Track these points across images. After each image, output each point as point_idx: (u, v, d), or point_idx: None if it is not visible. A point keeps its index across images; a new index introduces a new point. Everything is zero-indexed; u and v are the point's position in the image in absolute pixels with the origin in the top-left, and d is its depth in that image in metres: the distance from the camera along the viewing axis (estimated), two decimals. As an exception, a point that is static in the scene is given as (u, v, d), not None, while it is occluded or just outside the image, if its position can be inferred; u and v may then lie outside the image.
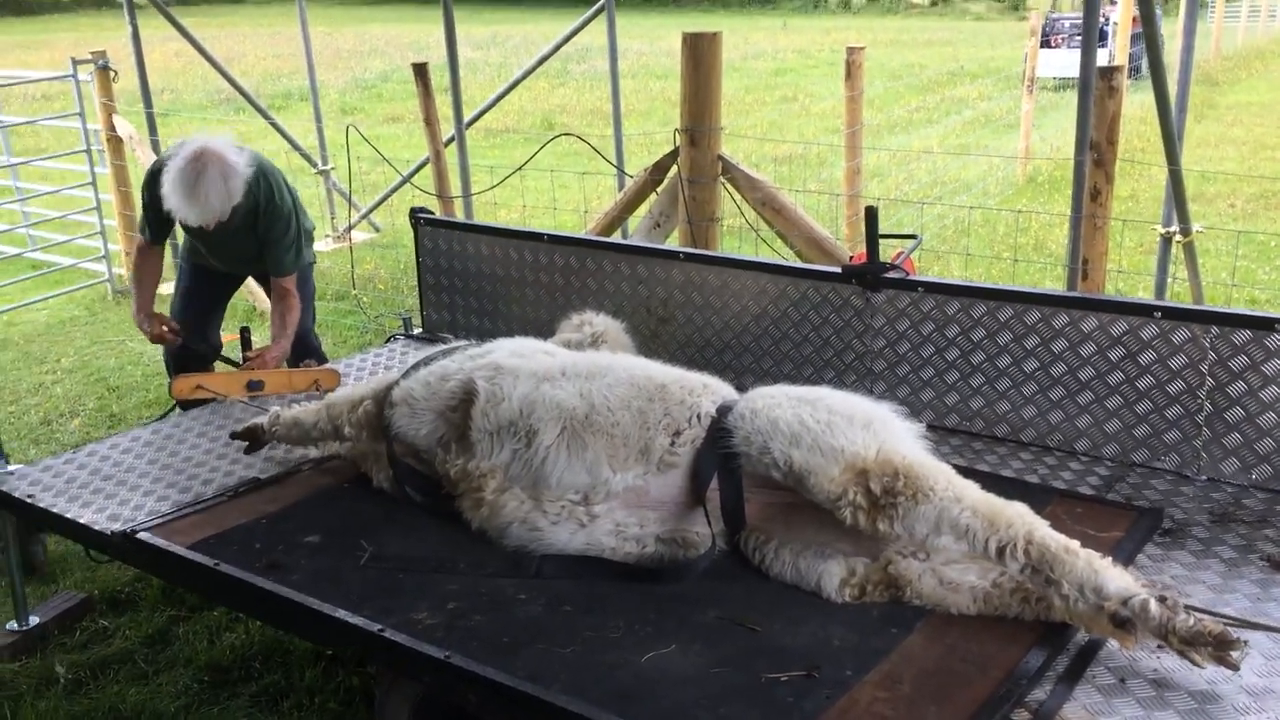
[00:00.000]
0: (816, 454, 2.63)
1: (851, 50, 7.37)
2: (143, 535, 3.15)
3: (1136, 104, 11.94)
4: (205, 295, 4.74)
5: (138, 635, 3.81)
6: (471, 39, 24.25)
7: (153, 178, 4.29)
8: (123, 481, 3.56)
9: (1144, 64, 5.56)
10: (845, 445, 2.62)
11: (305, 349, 4.72)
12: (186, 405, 4.30)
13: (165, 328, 4.48)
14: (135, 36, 7.48)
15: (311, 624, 2.76)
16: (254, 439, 3.60)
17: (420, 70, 6.48)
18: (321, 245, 9.00)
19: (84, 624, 3.90)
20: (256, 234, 4.38)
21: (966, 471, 3.08)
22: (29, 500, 3.45)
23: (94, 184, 8.07)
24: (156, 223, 4.43)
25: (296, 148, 8.93)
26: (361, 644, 2.65)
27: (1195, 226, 5.56)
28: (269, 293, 4.65)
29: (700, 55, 4.89)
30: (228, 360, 4.73)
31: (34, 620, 3.82)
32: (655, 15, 34.62)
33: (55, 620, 3.87)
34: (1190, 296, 5.87)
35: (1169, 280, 5.80)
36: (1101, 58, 5.48)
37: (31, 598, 3.90)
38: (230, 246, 4.47)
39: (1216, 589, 2.67)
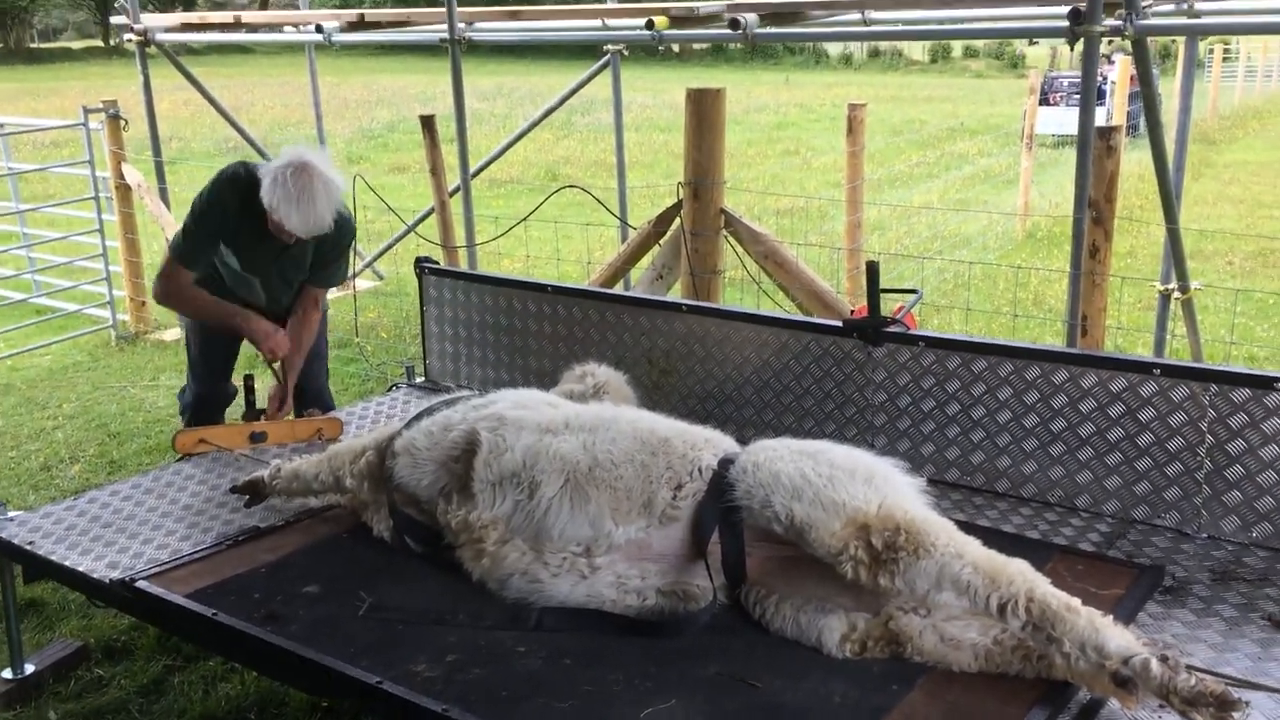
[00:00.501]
0: (818, 508, 2.63)
1: (853, 106, 7.47)
2: (141, 584, 3.14)
3: (1134, 161, 12.05)
4: (226, 339, 4.65)
5: (133, 685, 3.78)
6: (478, 90, 24.54)
7: (234, 193, 4.16)
8: (122, 529, 3.55)
9: (1141, 122, 5.64)
10: (847, 500, 2.62)
11: (320, 406, 4.70)
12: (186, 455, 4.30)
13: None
14: (147, 86, 7.59)
15: (309, 675, 2.74)
16: (256, 492, 3.60)
17: (428, 122, 6.56)
18: (325, 293, 9.04)
19: (79, 672, 3.88)
20: (321, 249, 4.37)
21: (967, 527, 3.08)
22: (28, 547, 3.44)
23: (101, 231, 8.14)
24: (208, 251, 4.25)
25: (302, 197, 8.99)
26: (359, 696, 2.64)
27: (1194, 284, 5.61)
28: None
29: (704, 111, 4.96)
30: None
31: (29, 668, 3.80)
32: (659, 69, 35.06)
33: (51, 669, 3.84)
34: (1189, 353, 5.90)
35: (1168, 337, 5.84)
36: (1100, 116, 5.56)
37: (27, 646, 3.88)
38: (287, 266, 4.41)
39: (1218, 648, 2.66)
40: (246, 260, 4.33)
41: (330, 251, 4.42)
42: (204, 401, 4.69)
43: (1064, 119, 16.10)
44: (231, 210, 4.18)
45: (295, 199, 3.97)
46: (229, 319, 4.36)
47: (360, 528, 3.46)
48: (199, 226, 4.22)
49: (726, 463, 2.88)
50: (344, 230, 4.36)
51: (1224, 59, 22.57)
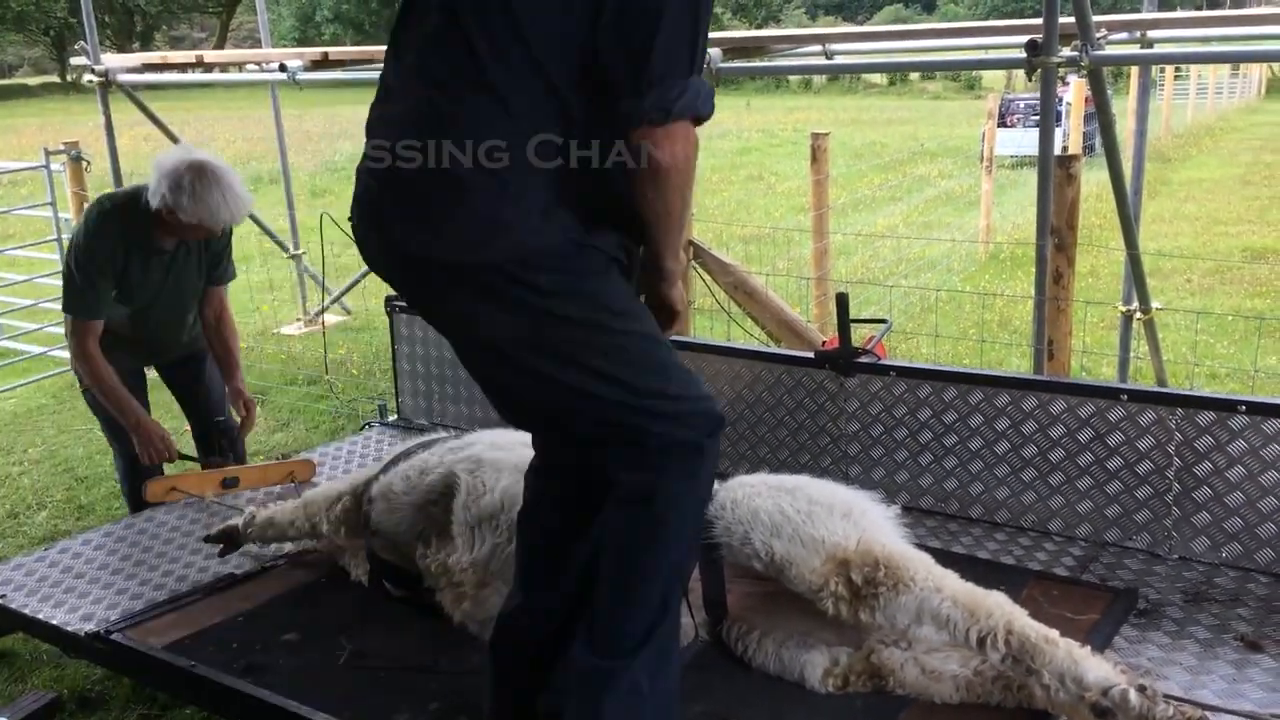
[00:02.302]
0: (798, 544, 2.65)
1: (816, 135, 7.55)
2: (116, 636, 3.11)
3: (1093, 182, 12.24)
4: (139, 384, 4.46)
5: (108, 736, 3.72)
6: (440, 121, 24.46)
7: (112, 223, 3.98)
8: (95, 579, 3.52)
9: (1098, 143, 5.79)
10: (826, 536, 2.64)
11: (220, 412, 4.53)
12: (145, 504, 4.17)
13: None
14: (109, 127, 7.54)
15: (291, 726, 2.72)
16: (230, 541, 3.57)
17: (393, 158, 6.55)
18: (292, 329, 9.01)
19: (52, 725, 3.81)
20: (214, 245, 4.25)
21: (943, 553, 3.14)
22: (0, 601, 3.40)
23: (64, 272, 8.06)
24: (103, 293, 4.00)
25: (268, 232, 8.97)
26: (343, 747, 2.62)
27: (1154, 304, 5.70)
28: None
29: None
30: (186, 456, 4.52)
31: (1, 722, 3.74)
32: (621, 96, 35.14)
33: (23, 722, 3.78)
34: (1153, 373, 6.00)
35: (1131, 357, 5.93)
36: (1056, 137, 5.67)
37: (0, 697, 3.81)
38: (182, 278, 4.23)
39: (1193, 670, 2.70)
40: (139, 288, 4.14)
41: (221, 244, 4.29)
42: (135, 460, 4.36)
43: (1022, 140, 16.32)
44: (115, 240, 4.00)
45: (220, 192, 3.87)
46: (122, 410, 4.13)
47: (337, 573, 3.44)
48: (85, 270, 3.98)
49: (705, 500, 2.90)
50: None
51: (1176, 77, 23.03)
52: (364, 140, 2.31)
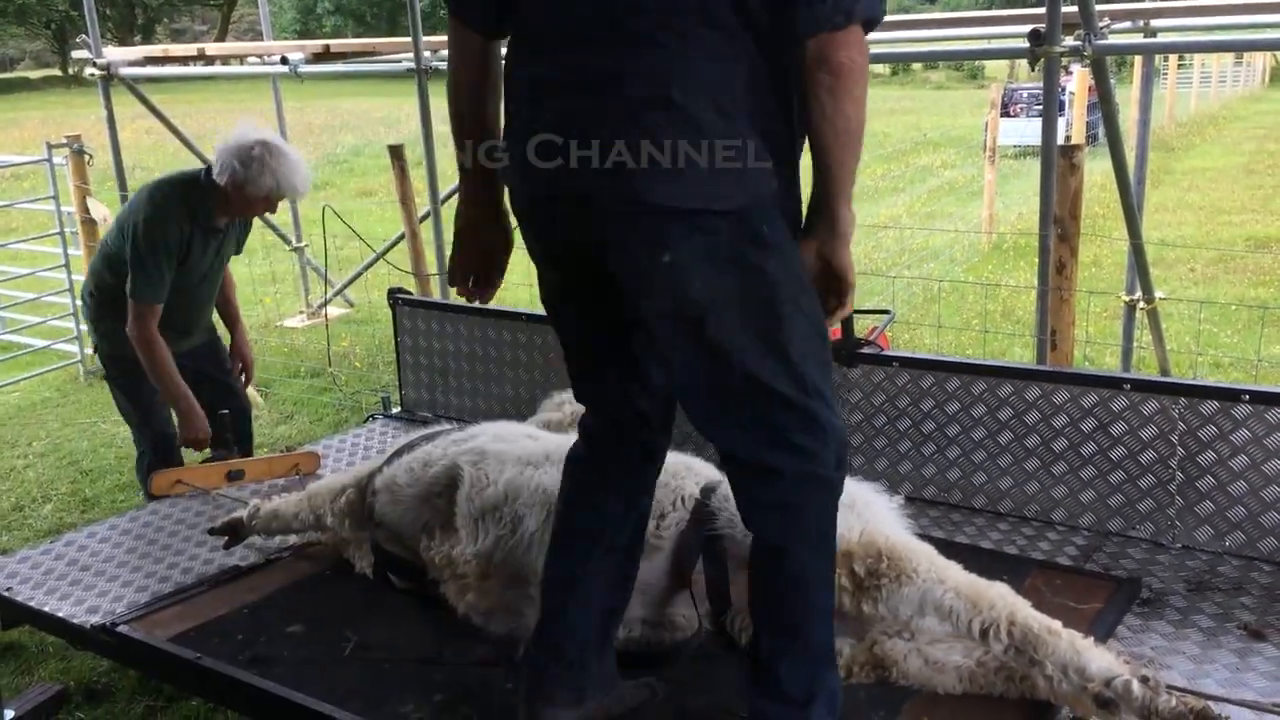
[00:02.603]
0: (800, 536, 2.65)
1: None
2: (123, 629, 3.13)
3: (1096, 171, 12.21)
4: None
5: (114, 728, 3.74)
6: (443, 113, 24.36)
7: (173, 203, 4.06)
8: (101, 572, 3.53)
9: (1101, 132, 5.78)
10: (828, 527, 2.64)
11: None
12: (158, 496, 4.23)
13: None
14: (111, 122, 7.54)
15: (297, 719, 2.73)
16: (234, 534, 3.58)
17: (396, 152, 6.56)
18: (295, 321, 9.02)
19: (60, 716, 3.82)
20: (247, 226, 4.52)
21: (946, 543, 3.14)
22: (6, 594, 3.42)
23: (67, 266, 8.07)
24: (168, 274, 4.06)
25: (270, 225, 8.97)
26: (348, 738, 2.63)
27: (1158, 294, 5.70)
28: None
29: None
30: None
31: (9, 714, 3.75)
32: (623, 87, 35.08)
33: (30, 714, 3.78)
34: (1156, 362, 5.99)
35: (1134, 347, 5.93)
36: (1059, 127, 5.66)
37: (6, 691, 3.83)
38: (225, 251, 4.39)
39: (1196, 659, 2.70)
40: (194, 268, 4.22)
41: (249, 222, 4.52)
42: (160, 449, 4.48)
43: (1025, 130, 16.30)
44: (180, 221, 4.06)
45: (291, 165, 4.06)
46: (173, 393, 4.19)
47: (342, 565, 3.45)
48: (154, 254, 4.02)
49: (709, 491, 2.90)
50: None
51: (1179, 66, 22.95)
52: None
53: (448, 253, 6.95)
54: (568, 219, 2.18)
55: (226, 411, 4.42)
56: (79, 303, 8.14)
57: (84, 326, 8.16)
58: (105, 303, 4.25)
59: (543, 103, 2.15)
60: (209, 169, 4.13)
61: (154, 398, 4.33)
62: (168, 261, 4.05)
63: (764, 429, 2.15)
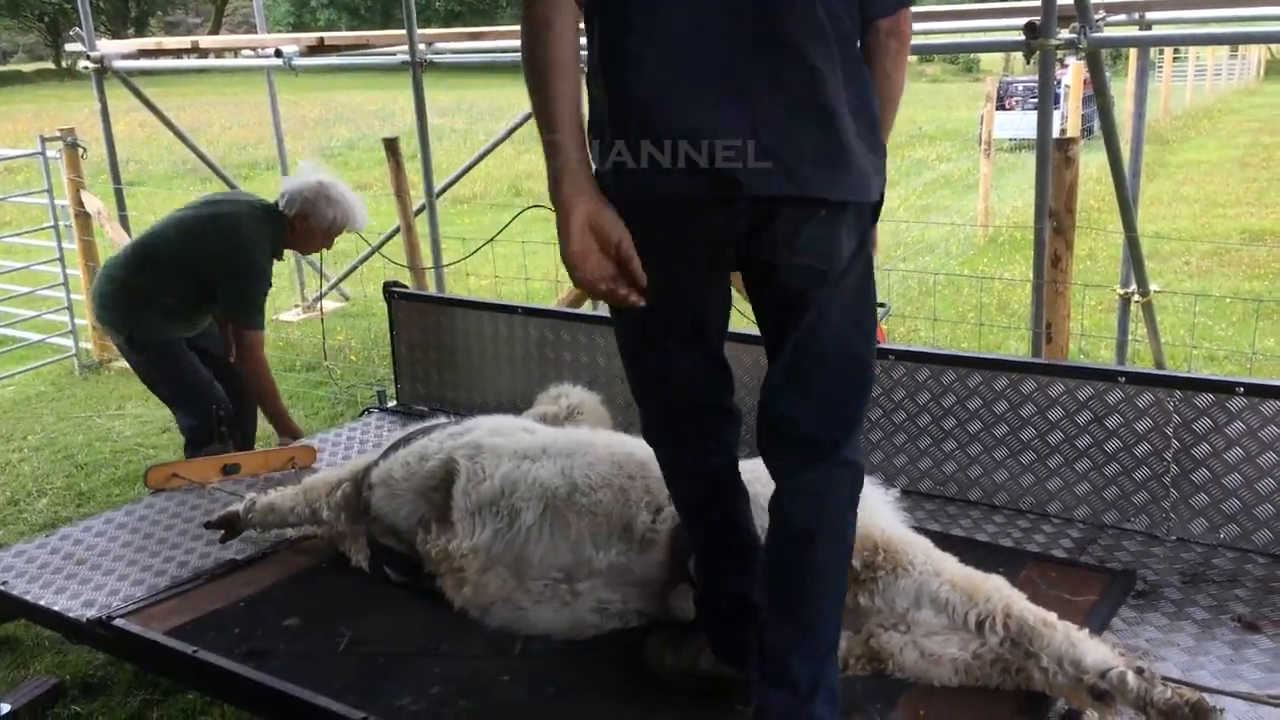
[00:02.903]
0: (796, 529, 2.65)
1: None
2: (119, 622, 3.12)
3: (1091, 165, 12.23)
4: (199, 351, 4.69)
5: (110, 722, 3.74)
6: (438, 106, 24.46)
7: (262, 234, 4.39)
8: (97, 565, 3.53)
9: (1096, 125, 5.78)
10: (825, 520, 2.64)
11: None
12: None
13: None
14: (105, 115, 7.52)
15: (293, 712, 2.73)
16: (230, 527, 3.57)
17: (391, 146, 6.55)
18: (291, 315, 9.00)
19: (56, 710, 3.82)
20: None
21: (941, 536, 3.15)
22: (2, 588, 3.41)
23: (61, 259, 8.05)
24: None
25: (265, 219, 8.95)
26: (345, 731, 2.63)
27: (1152, 287, 5.71)
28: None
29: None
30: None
31: (4, 708, 3.74)
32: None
33: (26, 708, 3.78)
34: (1151, 355, 6.00)
35: (1130, 340, 5.94)
36: (1055, 120, 5.64)
37: (1, 685, 3.83)
38: None
39: (1191, 651, 2.71)
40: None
41: None
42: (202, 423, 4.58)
43: (1020, 123, 16.29)
44: (270, 254, 4.44)
45: (353, 201, 4.53)
46: (276, 409, 4.51)
47: (338, 558, 3.45)
48: (260, 282, 4.39)
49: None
50: None
51: (1175, 59, 22.96)
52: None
53: (443, 245, 6.94)
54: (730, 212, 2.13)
55: (223, 411, 4.44)
56: (78, 296, 8.15)
57: (79, 320, 8.17)
58: (136, 296, 4.44)
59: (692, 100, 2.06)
60: (277, 202, 4.50)
61: (197, 375, 4.52)
62: (268, 284, 4.45)
63: (839, 407, 2.23)
